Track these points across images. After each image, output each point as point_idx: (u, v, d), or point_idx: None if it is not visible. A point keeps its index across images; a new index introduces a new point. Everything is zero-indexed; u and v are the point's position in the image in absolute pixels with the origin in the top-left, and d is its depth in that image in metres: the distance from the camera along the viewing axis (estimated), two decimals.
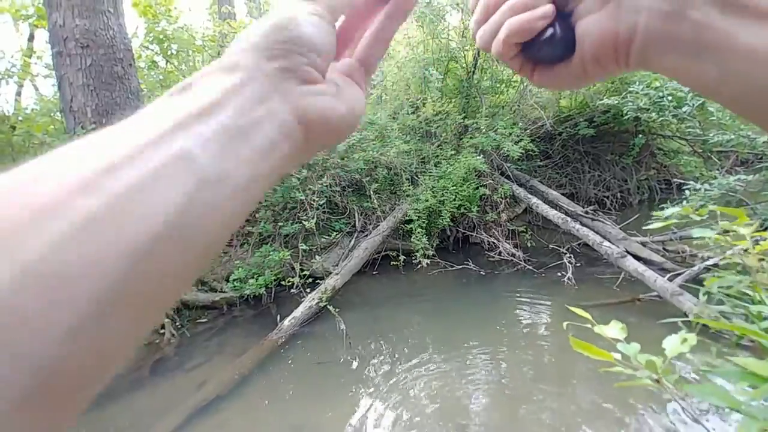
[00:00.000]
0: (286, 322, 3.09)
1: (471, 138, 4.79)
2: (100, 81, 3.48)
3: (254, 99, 0.22)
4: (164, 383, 2.65)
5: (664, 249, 3.70)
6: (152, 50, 4.77)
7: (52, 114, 4.33)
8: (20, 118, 4.14)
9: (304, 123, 0.24)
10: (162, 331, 3.16)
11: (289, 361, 2.75)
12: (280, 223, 4.07)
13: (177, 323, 3.30)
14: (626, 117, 4.44)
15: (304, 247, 3.87)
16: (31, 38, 5.92)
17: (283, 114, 0.23)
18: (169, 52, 4.78)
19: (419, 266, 3.91)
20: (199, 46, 4.88)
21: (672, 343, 0.61)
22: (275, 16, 0.26)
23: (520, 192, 4.78)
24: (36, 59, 4.98)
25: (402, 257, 4.09)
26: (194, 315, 3.46)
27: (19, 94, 5.60)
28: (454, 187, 4.42)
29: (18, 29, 5.91)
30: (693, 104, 3.96)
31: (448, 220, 4.27)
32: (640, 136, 5.55)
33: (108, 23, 3.51)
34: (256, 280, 3.54)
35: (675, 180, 4.91)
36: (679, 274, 3.05)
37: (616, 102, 4.35)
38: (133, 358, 2.94)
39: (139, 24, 4.68)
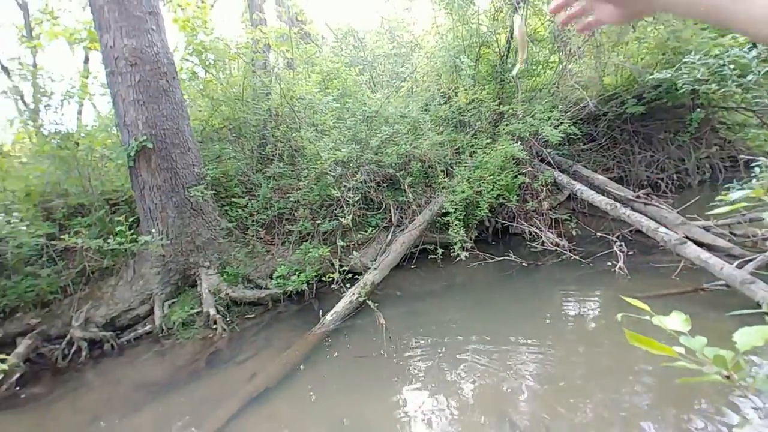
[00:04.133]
0: (328, 317, 3.16)
1: (507, 125, 4.62)
2: (148, 95, 3.73)
3: None
4: (218, 375, 2.81)
5: (730, 233, 3.37)
6: (192, 62, 5.03)
7: (108, 129, 4.71)
8: (82, 135, 4.54)
9: None
10: (215, 326, 3.36)
11: (334, 354, 2.82)
12: (318, 221, 4.16)
13: (227, 319, 3.49)
14: (681, 90, 4.06)
15: (342, 243, 3.94)
16: (86, 60, 6.46)
17: None
18: (207, 63, 5.02)
19: (458, 259, 3.85)
20: (234, 54, 5.08)
21: (745, 336, 0.55)
22: None
23: (563, 178, 4.55)
24: (93, 79, 5.42)
25: (440, 250, 4.04)
26: (242, 311, 3.65)
27: (80, 112, 6.14)
28: (491, 177, 4.28)
29: (73, 52, 6.45)
30: (759, 71, 3.55)
31: (486, 210, 4.15)
32: (699, 110, 5.07)
33: (152, 40, 3.75)
34: (298, 276, 3.66)
35: (742, 156, 4.45)
36: (749, 260, 2.76)
37: (669, 75, 3.99)
38: (191, 351, 3.15)
39: (179, 38, 4.94)
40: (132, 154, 3.72)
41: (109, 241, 3.34)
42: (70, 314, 3.46)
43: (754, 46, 3.55)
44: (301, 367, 2.69)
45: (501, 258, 4.01)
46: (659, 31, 4.73)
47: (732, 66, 3.61)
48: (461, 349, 2.64)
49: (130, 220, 3.69)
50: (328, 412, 2.24)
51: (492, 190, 4.24)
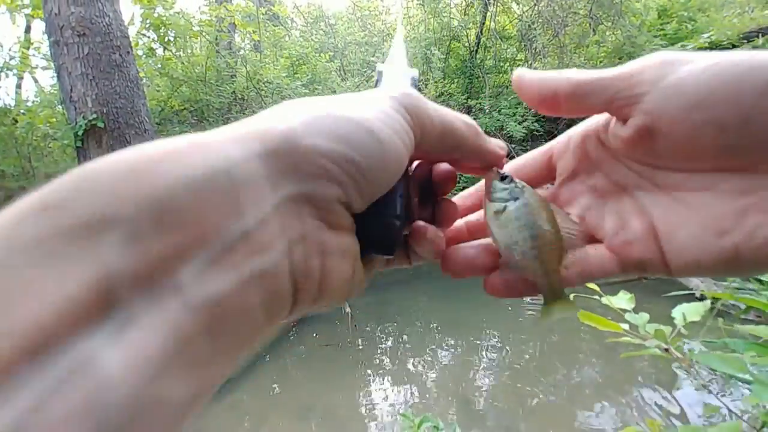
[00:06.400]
0: None
1: (474, 119, 4.71)
2: (99, 70, 3.45)
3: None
4: None
5: None
6: (149, 37, 4.70)
7: (53, 106, 4.32)
8: (22, 111, 4.14)
9: (305, 287, 0.18)
10: None
11: (298, 344, 2.80)
12: None
13: None
14: None
15: None
16: (27, 29, 5.86)
17: (279, 280, 0.16)
18: (166, 39, 4.71)
19: None
20: (196, 32, 4.80)
21: (682, 312, 0.60)
22: (351, 103, 0.19)
23: None
24: (34, 51, 4.94)
25: None
26: None
27: (19, 86, 5.58)
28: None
29: (14, 20, 5.85)
30: None
31: None
32: None
33: (103, 10, 3.46)
34: None
35: None
36: None
37: None
38: None
39: (134, 11, 4.60)
40: (80, 133, 3.44)
41: None
42: None
43: None
44: (267, 358, 2.65)
45: None
46: (617, 36, 4.99)
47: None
48: (426, 337, 2.70)
49: None
50: (294, 402, 2.23)
51: (459, 181, 4.33)
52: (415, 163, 0.26)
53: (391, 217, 0.22)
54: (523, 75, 0.24)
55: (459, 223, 0.28)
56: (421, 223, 0.24)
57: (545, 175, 0.27)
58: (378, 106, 0.19)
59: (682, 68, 0.20)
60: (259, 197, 0.16)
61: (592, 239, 0.24)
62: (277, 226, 0.16)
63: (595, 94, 0.22)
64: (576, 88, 0.22)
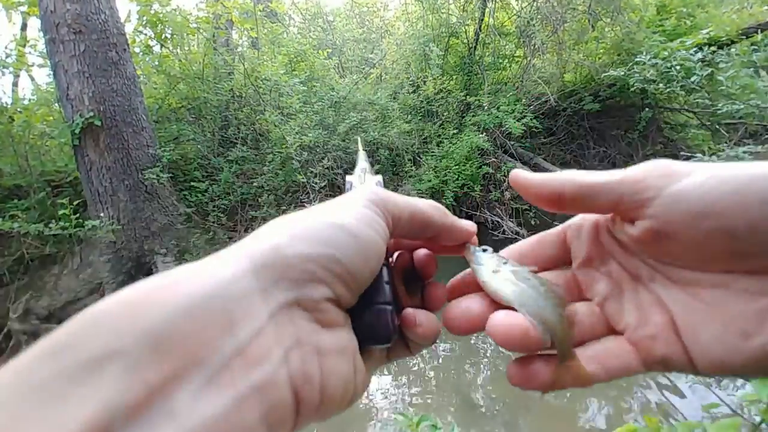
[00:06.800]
0: None
1: (473, 116, 4.71)
2: (95, 67, 3.43)
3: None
4: None
5: None
6: (146, 34, 4.67)
7: (49, 105, 4.29)
8: (18, 110, 4.11)
9: (306, 395, 0.17)
10: None
11: None
12: (283, 207, 4.07)
13: None
14: (632, 89, 4.32)
15: None
16: (24, 27, 5.81)
17: (278, 390, 0.16)
18: (163, 36, 4.67)
19: None
20: (193, 29, 4.77)
21: None
22: (329, 211, 0.21)
23: (524, 170, 4.72)
24: (30, 48, 4.90)
25: None
26: None
27: (15, 84, 5.55)
28: (457, 167, 4.37)
29: (11, 18, 5.80)
30: (702, 74, 3.85)
31: (452, 199, 4.24)
32: (647, 109, 5.43)
33: (99, 7, 3.43)
34: None
35: (682, 154, 4.80)
36: None
37: (622, 74, 4.23)
38: None
39: (131, 8, 4.56)
40: (77, 131, 3.42)
41: (50, 226, 3.08)
42: (6, 305, 3.18)
43: (700, 49, 3.84)
44: None
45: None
46: (616, 32, 4.98)
47: (678, 68, 3.89)
48: None
49: (76, 203, 3.41)
50: None
51: (457, 179, 4.33)
52: (396, 254, 0.28)
53: (381, 304, 0.23)
54: (519, 177, 0.26)
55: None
56: (409, 310, 0.25)
57: (561, 255, 0.28)
58: (351, 207, 0.22)
59: (684, 180, 0.21)
60: (253, 311, 0.16)
61: (612, 330, 0.24)
62: (272, 336, 0.17)
63: (602, 196, 0.23)
64: (581, 190, 0.23)
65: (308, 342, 0.18)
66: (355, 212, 0.21)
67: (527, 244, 0.28)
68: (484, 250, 0.27)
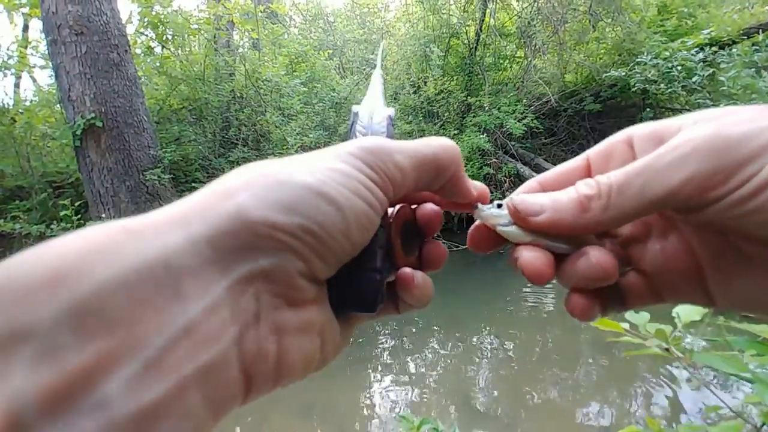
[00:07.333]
0: None
1: (474, 116, 4.71)
2: (97, 69, 3.44)
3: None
4: None
5: None
6: (147, 36, 4.68)
7: (51, 106, 4.31)
8: (20, 111, 4.13)
9: (258, 373, 0.16)
10: None
11: None
12: None
13: None
14: (633, 90, 4.32)
15: None
16: (25, 28, 5.84)
17: (226, 371, 0.15)
18: (164, 37, 4.69)
19: None
20: (194, 30, 4.78)
21: (684, 311, 0.60)
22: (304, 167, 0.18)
23: (525, 170, 4.72)
24: (32, 50, 4.92)
25: None
26: None
27: (17, 86, 5.57)
28: None
29: (12, 20, 5.82)
30: (703, 74, 3.84)
31: None
32: (648, 110, 5.42)
33: (101, 8, 3.44)
34: None
35: None
36: None
37: (623, 74, 4.23)
38: None
39: (132, 9, 4.58)
40: (78, 132, 3.44)
41: (52, 227, 3.10)
42: None
43: (701, 49, 3.83)
44: None
45: (465, 247, 4.10)
46: (617, 33, 4.97)
47: (680, 68, 3.88)
48: (425, 335, 2.70)
49: (77, 204, 3.42)
50: (293, 400, 2.23)
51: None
52: (397, 206, 0.24)
53: (370, 270, 0.21)
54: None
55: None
56: (407, 270, 0.23)
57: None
58: (334, 168, 0.18)
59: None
60: (205, 284, 0.14)
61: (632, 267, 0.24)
62: (228, 312, 0.15)
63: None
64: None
65: (268, 319, 0.16)
66: (339, 174, 0.18)
67: (550, 175, 0.27)
68: (499, 206, 0.24)
